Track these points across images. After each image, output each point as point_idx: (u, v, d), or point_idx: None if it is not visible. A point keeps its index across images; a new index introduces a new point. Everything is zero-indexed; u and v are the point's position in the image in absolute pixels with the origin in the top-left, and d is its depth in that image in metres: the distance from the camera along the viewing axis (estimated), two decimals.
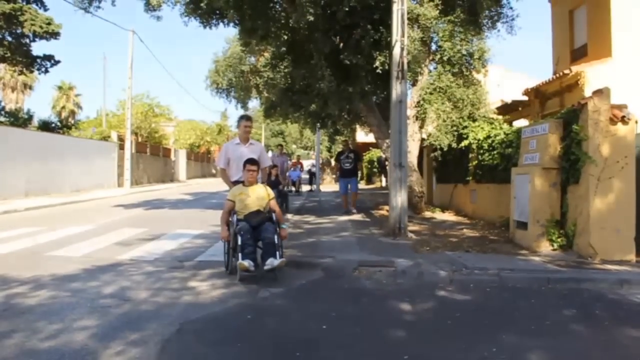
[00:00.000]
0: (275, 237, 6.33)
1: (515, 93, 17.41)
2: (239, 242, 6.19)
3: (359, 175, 15.70)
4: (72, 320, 4.67)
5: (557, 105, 13.26)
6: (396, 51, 9.74)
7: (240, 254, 6.13)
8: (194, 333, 4.46)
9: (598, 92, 7.65)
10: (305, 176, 31.58)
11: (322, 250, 8.46)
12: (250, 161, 6.76)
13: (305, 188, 29.00)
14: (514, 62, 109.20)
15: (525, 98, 16.03)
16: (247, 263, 6.01)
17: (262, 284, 6.16)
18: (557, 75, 13.25)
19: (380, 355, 4.01)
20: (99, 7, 11.74)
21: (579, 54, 14.17)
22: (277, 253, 6.22)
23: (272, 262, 6.05)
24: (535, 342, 4.29)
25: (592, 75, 11.88)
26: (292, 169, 25.75)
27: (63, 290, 5.75)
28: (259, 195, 6.68)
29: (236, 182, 7.09)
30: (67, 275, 6.49)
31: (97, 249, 8.67)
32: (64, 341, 4.16)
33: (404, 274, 6.78)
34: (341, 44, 12.23)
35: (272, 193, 6.88)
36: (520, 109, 16.97)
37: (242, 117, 7.64)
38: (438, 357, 4.03)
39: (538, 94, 14.88)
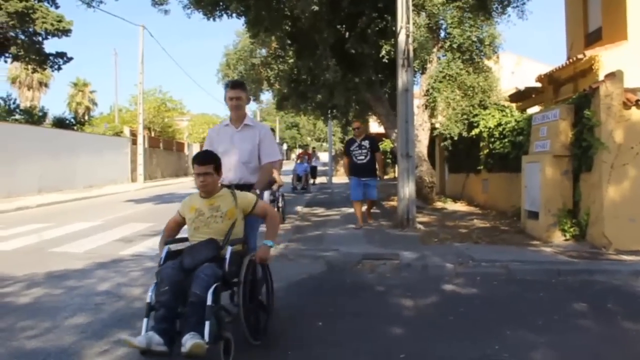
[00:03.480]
0: (211, 293, 3.38)
1: (530, 80, 17.00)
2: (147, 299, 3.54)
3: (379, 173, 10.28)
4: (63, 318, 4.57)
5: (571, 91, 12.87)
6: (401, 38, 9.49)
7: (145, 320, 3.47)
8: None
9: (610, 76, 7.34)
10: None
11: (327, 243, 8.29)
12: (201, 158, 4.00)
13: (318, 181, 28.37)
14: (529, 49, 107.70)
15: (539, 85, 15.64)
16: (137, 341, 3.23)
17: None
18: (571, 60, 12.86)
19: (375, 354, 3.82)
20: (101, 2, 11.65)
21: (593, 38, 13.74)
22: (207, 324, 3.31)
23: (185, 342, 3.19)
24: (541, 339, 4.08)
25: (607, 59, 11.47)
26: (298, 161, 23.32)
27: (59, 287, 5.67)
28: (218, 212, 3.97)
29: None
30: (66, 272, 6.41)
31: (100, 244, 8.60)
32: (51, 340, 4.07)
33: (408, 267, 6.59)
34: (346, 34, 12.00)
35: (250, 200, 4.14)
36: (533, 95, 16.57)
37: (227, 85, 4.85)
38: (436, 355, 3.83)
39: (551, 80, 14.48)
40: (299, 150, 30.40)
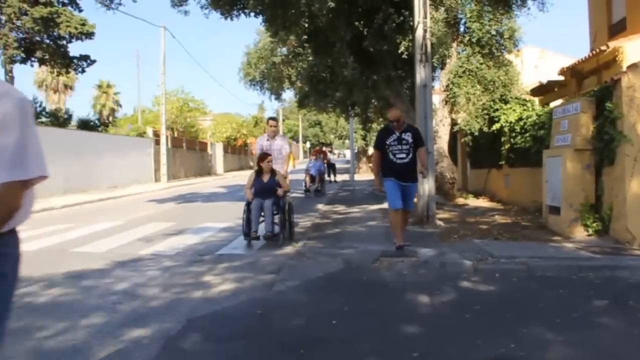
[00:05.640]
0: None
1: (554, 73, 16.72)
2: None
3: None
4: (79, 318, 4.61)
5: (595, 84, 12.59)
6: (419, 33, 9.41)
7: None
8: (199, 330, 4.33)
9: (633, 67, 7.17)
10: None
11: (346, 241, 8.28)
12: None
13: (340, 178, 28.12)
14: (554, 42, 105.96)
15: (562, 78, 15.35)
16: None
17: (279, 277, 6.05)
18: (594, 52, 12.59)
19: (389, 353, 3.78)
20: (120, 4, 11.83)
21: (617, 29, 13.43)
22: None
23: None
24: (558, 337, 3.98)
25: (631, 51, 11.19)
26: (312, 159, 20.16)
27: (77, 287, 5.73)
28: None
29: None
30: (84, 272, 6.48)
31: (121, 244, 8.69)
32: (66, 339, 4.10)
33: (426, 264, 6.53)
34: (364, 30, 11.94)
35: None
36: (556, 89, 16.28)
37: None
38: (450, 354, 3.77)
39: (574, 73, 14.20)
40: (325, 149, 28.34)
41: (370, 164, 33.02)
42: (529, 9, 12.37)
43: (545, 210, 8.82)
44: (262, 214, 7.99)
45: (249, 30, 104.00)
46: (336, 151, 72.67)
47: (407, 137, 7.31)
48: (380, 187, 7.46)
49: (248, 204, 8.14)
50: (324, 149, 25.10)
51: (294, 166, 21.51)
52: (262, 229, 7.99)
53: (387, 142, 7.34)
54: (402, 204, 7.24)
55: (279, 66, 20.57)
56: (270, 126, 9.35)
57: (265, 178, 8.33)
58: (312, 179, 18.61)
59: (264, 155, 8.47)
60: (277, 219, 8.15)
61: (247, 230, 8.03)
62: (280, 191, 8.24)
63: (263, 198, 8.03)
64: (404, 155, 7.26)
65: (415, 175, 7.45)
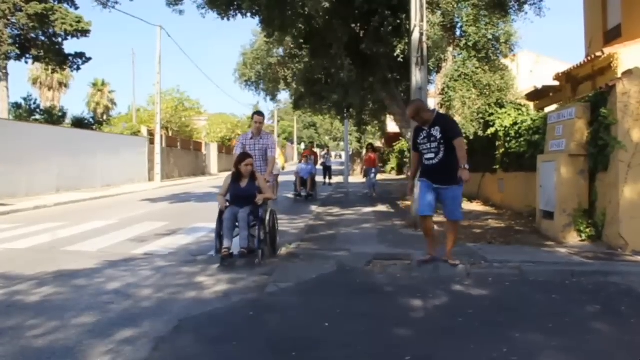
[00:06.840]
0: None
1: (549, 79, 16.79)
2: None
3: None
4: (70, 317, 4.58)
5: (590, 89, 12.63)
6: (415, 37, 9.42)
7: None
8: (191, 330, 4.32)
9: (628, 73, 7.20)
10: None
11: (339, 243, 8.27)
12: None
13: (334, 180, 27.98)
14: (549, 47, 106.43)
15: (557, 83, 15.41)
16: None
17: (272, 278, 6.03)
18: (589, 58, 12.64)
19: (381, 356, 3.77)
20: (116, 2, 11.80)
21: (612, 35, 13.50)
22: None
23: None
24: (551, 342, 3.99)
25: (626, 57, 11.26)
26: (302, 161, 18.79)
27: (68, 286, 5.69)
28: None
29: None
30: (76, 271, 6.44)
31: (113, 243, 8.65)
32: (57, 338, 4.07)
33: (419, 267, 6.51)
34: (360, 32, 11.95)
35: None
36: (551, 94, 16.33)
37: None
38: (442, 358, 3.77)
39: (569, 79, 14.26)
40: (322, 151, 27.40)
41: (365, 167, 32.88)
42: (526, 13, 12.44)
43: (538, 215, 8.84)
44: (237, 225, 6.68)
45: (245, 30, 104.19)
46: (333, 153, 72.80)
47: (435, 132, 6.19)
48: (409, 192, 6.69)
49: (221, 214, 6.78)
50: (314, 149, 24.11)
51: (283, 168, 21.32)
52: (237, 244, 6.66)
53: (418, 141, 6.40)
54: (431, 210, 6.37)
55: (275, 67, 20.56)
56: (256, 122, 8.21)
57: (244, 183, 7.05)
58: (303, 182, 17.31)
59: (243, 157, 7.14)
60: (256, 231, 6.72)
61: (219, 246, 6.59)
62: (259, 198, 6.88)
63: (239, 207, 6.78)
64: (432, 155, 6.24)
65: (451, 178, 6.15)
